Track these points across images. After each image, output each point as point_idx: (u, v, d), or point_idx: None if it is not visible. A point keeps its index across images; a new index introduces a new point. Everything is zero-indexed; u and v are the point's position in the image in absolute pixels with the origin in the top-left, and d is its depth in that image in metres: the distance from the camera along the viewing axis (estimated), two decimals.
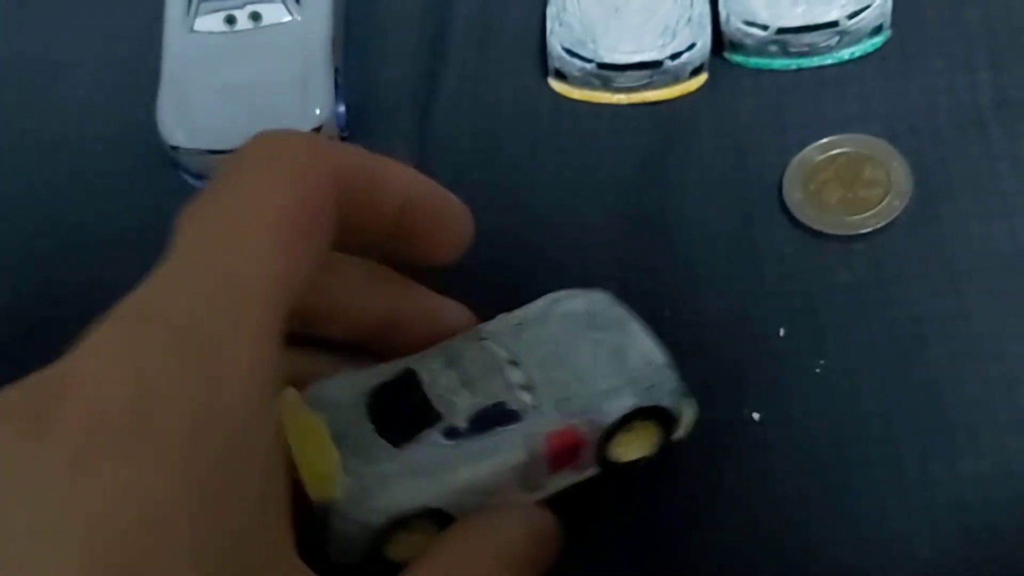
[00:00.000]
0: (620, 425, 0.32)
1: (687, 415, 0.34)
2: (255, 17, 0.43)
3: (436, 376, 0.32)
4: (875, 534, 0.34)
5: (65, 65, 0.46)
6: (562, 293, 0.35)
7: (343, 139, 0.43)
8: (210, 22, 0.43)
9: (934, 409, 0.36)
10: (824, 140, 0.41)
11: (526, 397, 0.32)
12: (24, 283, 0.42)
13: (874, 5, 0.41)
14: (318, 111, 0.42)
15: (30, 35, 0.48)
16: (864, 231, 0.39)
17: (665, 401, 0.33)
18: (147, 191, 0.43)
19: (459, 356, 0.33)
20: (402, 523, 0.30)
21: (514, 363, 0.33)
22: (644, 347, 0.34)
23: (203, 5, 0.43)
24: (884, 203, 0.39)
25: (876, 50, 0.42)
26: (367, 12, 0.46)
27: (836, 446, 0.36)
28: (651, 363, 0.33)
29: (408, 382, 0.32)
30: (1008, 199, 0.39)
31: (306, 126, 0.42)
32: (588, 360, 0.33)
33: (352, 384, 0.33)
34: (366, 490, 0.30)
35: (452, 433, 0.31)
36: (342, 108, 0.43)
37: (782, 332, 0.38)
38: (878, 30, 0.42)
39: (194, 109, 0.42)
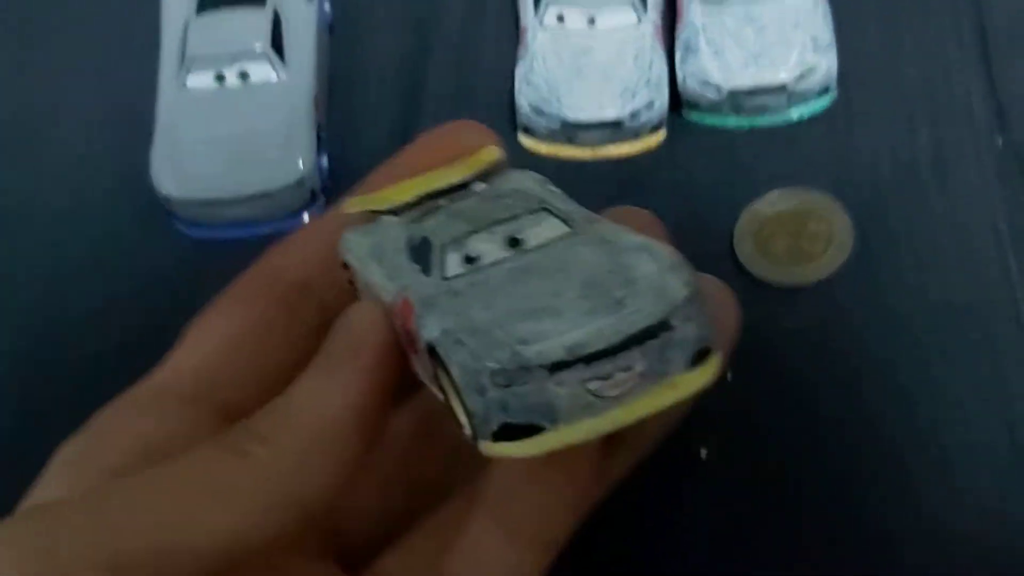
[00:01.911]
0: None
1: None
2: (243, 76, 0.46)
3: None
4: (812, 570, 0.37)
5: (65, 113, 0.49)
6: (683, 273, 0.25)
7: (324, 188, 0.46)
8: (201, 79, 0.46)
9: (866, 452, 0.38)
10: (772, 194, 0.43)
11: (455, 264, 0.26)
12: (23, 318, 0.45)
13: (819, 68, 0.44)
14: (300, 164, 0.45)
15: (33, 82, 0.51)
16: (808, 281, 0.42)
17: (469, 397, 0.24)
18: (141, 238, 0.46)
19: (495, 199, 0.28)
20: None
21: (515, 242, 0.27)
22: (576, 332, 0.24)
23: (194, 63, 0.46)
24: (827, 255, 0.42)
25: (823, 110, 0.45)
26: (349, 73, 0.49)
27: (777, 484, 0.38)
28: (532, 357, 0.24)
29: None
30: (941, 251, 0.42)
31: (289, 178, 0.45)
32: (546, 292, 0.25)
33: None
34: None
35: (410, 246, 0.27)
36: (325, 161, 0.46)
37: (729, 376, 0.40)
38: (825, 91, 0.45)
39: (185, 161, 0.45)
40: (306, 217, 0.46)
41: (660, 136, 0.46)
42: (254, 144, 0.45)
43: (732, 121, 0.45)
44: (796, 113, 0.45)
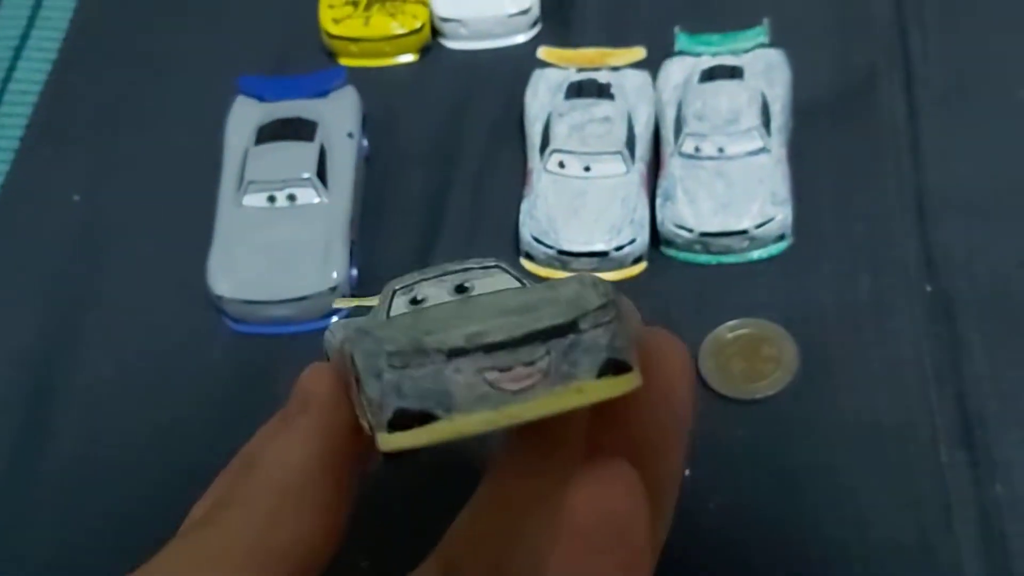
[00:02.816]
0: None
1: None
2: (291, 198, 0.54)
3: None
4: None
5: (136, 224, 0.58)
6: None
7: (352, 296, 0.54)
8: (255, 199, 0.54)
9: (801, 546, 0.45)
10: (732, 322, 0.51)
11: (401, 306, 0.28)
12: (87, 386, 0.52)
13: (777, 219, 0.52)
14: (335, 274, 0.53)
15: (108, 197, 0.59)
16: (759, 397, 0.49)
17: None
18: (194, 330, 0.54)
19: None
20: None
21: (463, 289, 0.28)
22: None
23: (250, 186, 0.54)
24: (776, 375, 0.50)
25: (779, 253, 0.53)
26: (380, 199, 0.57)
27: (728, 566, 0.45)
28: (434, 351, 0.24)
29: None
30: (872, 379, 0.49)
31: (324, 285, 0.53)
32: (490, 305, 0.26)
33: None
34: None
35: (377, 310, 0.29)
36: (354, 272, 0.54)
37: (688, 473, 0.47)
38: (781, 238, 0.53)
39: (237, 267, 0.53)
40: (334, 319, 0.54)
41: (641, 267, 0.54)
42: (296, 255, 0.53)
43: (702, 258, 0.53)
44: (756, 255, 0.53)
